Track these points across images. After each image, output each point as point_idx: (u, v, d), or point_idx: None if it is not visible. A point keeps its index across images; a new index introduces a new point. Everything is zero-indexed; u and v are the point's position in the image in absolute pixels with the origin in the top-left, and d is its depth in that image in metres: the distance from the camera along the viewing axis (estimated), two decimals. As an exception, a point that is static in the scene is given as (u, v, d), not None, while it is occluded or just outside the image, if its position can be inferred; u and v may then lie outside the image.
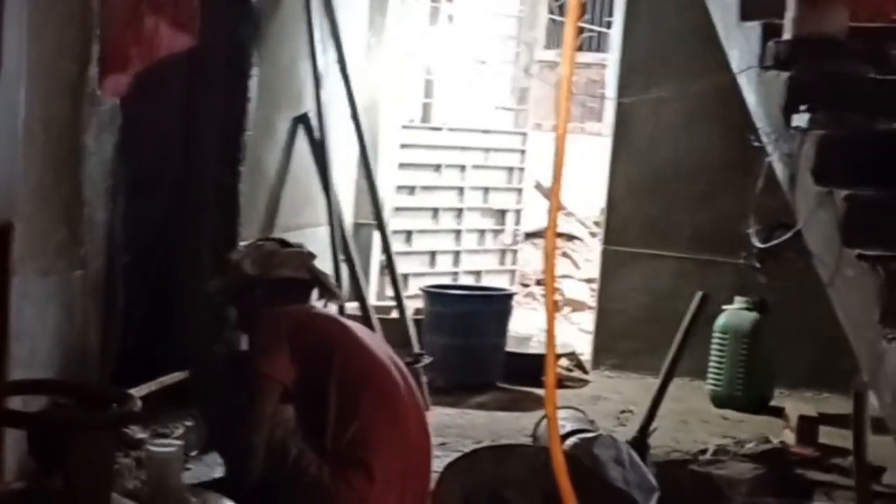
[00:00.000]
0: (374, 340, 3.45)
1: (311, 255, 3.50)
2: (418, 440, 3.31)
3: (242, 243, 4.29)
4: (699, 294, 4.48)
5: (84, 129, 3.33)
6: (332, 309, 3.73)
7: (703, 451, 4.51)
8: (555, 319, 2.97)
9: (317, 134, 5.36)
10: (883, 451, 3.91)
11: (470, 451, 3.42)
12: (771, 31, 4.07)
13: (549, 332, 2.94)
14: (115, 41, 3.28)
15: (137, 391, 3.24)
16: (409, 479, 3.25)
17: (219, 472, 3.49)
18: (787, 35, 3.93)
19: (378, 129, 6.53)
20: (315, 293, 3.50)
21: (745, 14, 4.36)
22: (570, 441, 3.51)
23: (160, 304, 3.91)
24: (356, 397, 3.19)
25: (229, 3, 3.96)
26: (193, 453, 3.78)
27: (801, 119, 3.64)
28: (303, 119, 5.31)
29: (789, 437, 4.96)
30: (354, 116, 5.70)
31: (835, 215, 3.36)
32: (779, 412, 5.56)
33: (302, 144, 5.33)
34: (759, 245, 5.50)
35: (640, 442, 4.27)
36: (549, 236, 3.00)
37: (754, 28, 4.19)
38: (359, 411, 3.17)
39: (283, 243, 3.54)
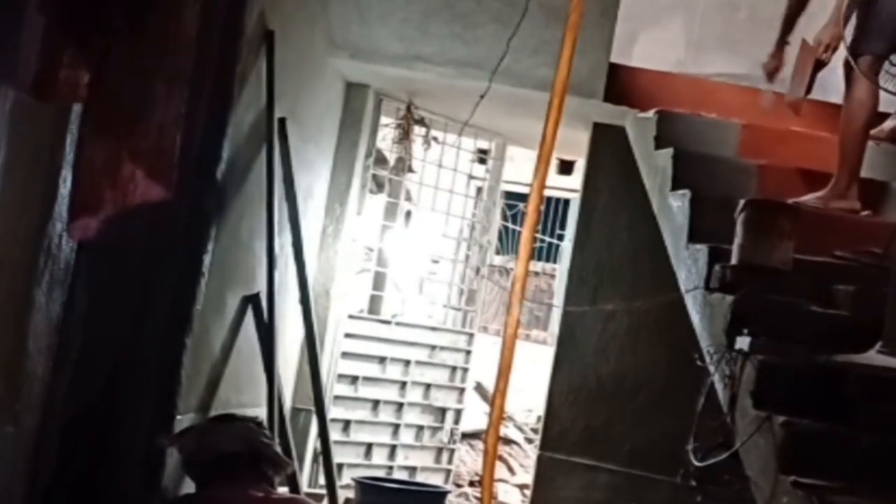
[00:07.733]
0: None
1: (253, 429, 3.41)
2: None
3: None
4: (633, 508, 4.46)
5: (37, 282, 3.31)
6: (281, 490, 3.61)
7: None
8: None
9: (265, 316, 5.36)
10: None
11: None
12: (718, 255, 4.21)
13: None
14: (89, 183, 3.27)
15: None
16: None
17: None
18: (733, 260, 4.06)
19: (326, 317, 6.56)
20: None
21: (694, 236, 4.51)
22: None
23: (93, 468, 3.82)
24: None
25: (196, 174, 4.02)
26: None
27: (743, 342, 3.72)
28: (253, 299, 5.32)
29: None
30: (304, 301, 5.73)
31: (772, 441, 3.40)
32: None
33: (249, 323, 5.32)
34: (696, 464, 5.52)
35: None
36: (490, 435, 3.01)
37: (702, 251, 4.33)
38: None
39: (229, 418, 3.48)
